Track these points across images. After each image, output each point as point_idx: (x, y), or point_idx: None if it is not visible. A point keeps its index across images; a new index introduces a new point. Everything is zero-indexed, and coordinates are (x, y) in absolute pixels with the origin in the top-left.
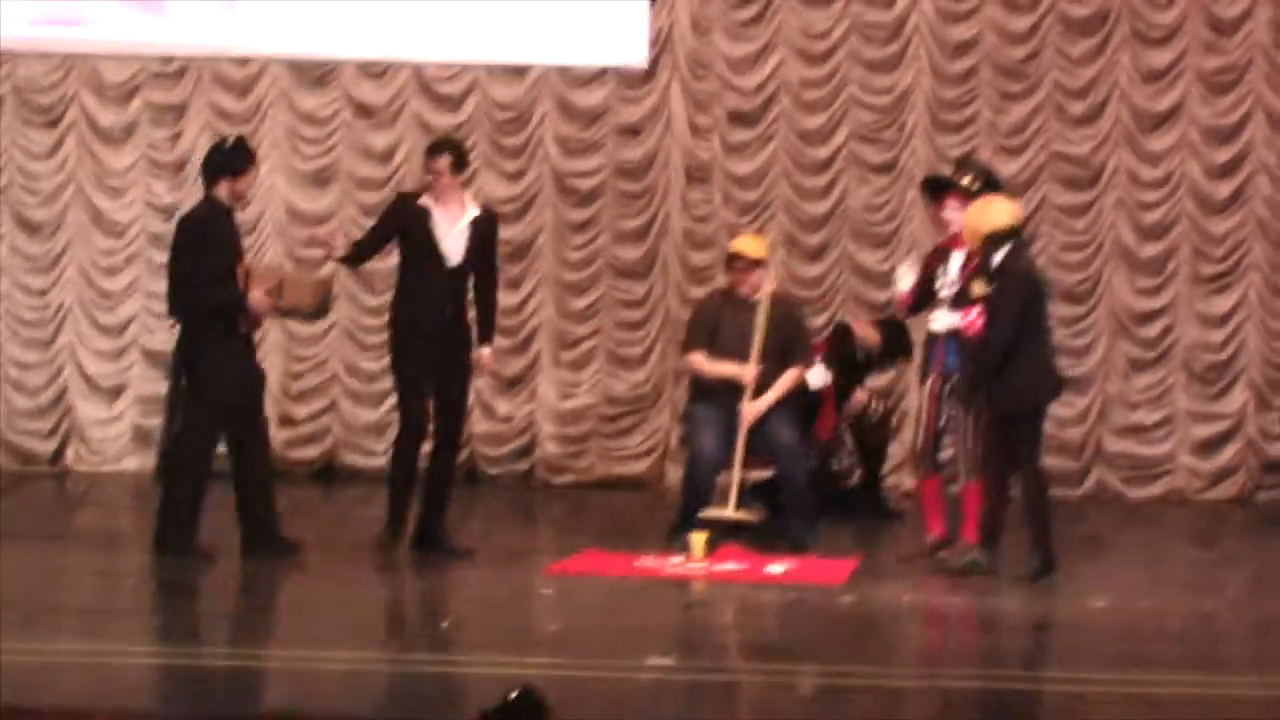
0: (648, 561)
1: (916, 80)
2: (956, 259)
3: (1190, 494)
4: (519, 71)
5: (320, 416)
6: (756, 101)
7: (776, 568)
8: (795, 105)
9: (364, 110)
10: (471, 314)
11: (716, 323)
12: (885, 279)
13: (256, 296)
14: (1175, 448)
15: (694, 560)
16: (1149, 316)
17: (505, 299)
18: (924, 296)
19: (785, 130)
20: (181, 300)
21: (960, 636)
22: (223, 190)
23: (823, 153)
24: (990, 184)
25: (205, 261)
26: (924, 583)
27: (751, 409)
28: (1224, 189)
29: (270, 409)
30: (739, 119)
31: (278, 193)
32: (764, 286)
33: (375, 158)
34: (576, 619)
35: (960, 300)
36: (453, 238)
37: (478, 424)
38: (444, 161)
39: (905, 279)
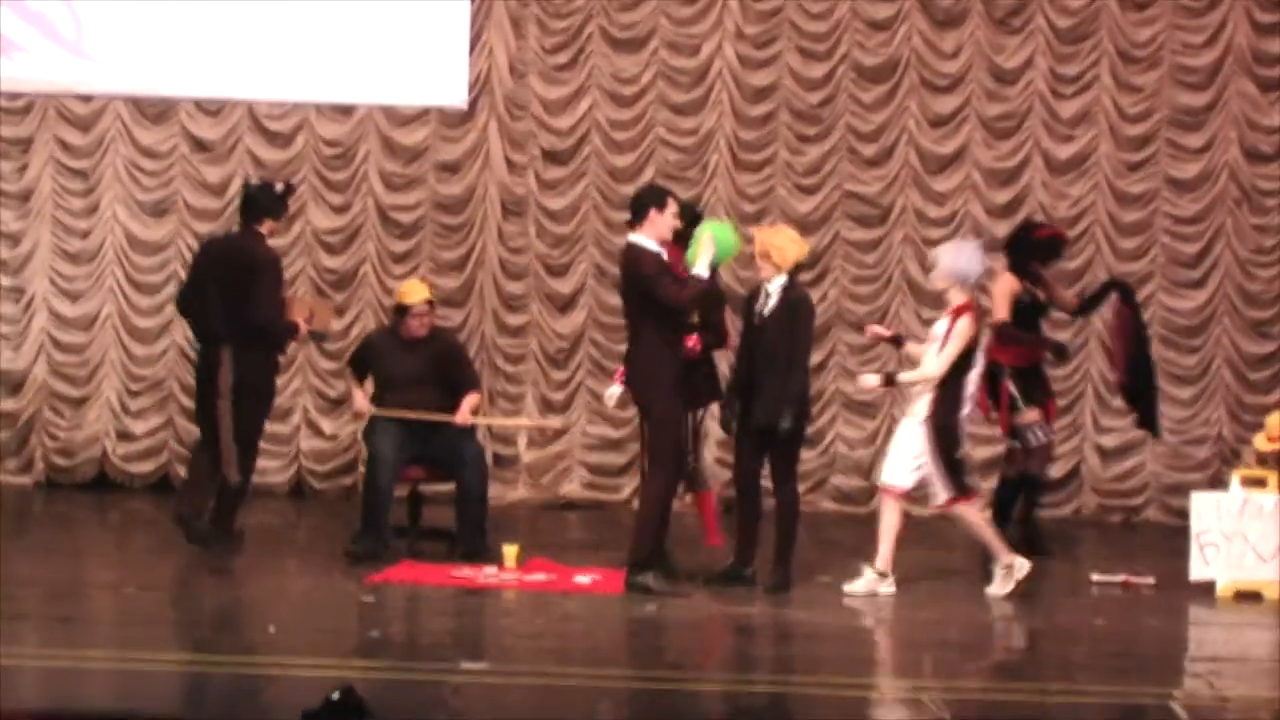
0: (463, 571)
1: (719, 123)
2: None
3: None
4: (346, 110)
5: (157, 433)
6: (569, 141)
7: (584, 578)
8: (606, 144)
9: (200, 145)
10: None
11: (380, 357)
12: None
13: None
14: None
15: (506, 570)
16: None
17: (331, 325)
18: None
19: (596, 168)
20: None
21: (753, 644)
22: (265, 228)
23: (631, 190)
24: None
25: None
26: (724, 593)
27: (463, 416)
28: (1004, 228)
29: (110, 425)
30: (553, 157)
31: (118, 222)
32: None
33: (210, 190)
34: (395, 625)
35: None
36: None
37: (305, 441)
38: None
39: None
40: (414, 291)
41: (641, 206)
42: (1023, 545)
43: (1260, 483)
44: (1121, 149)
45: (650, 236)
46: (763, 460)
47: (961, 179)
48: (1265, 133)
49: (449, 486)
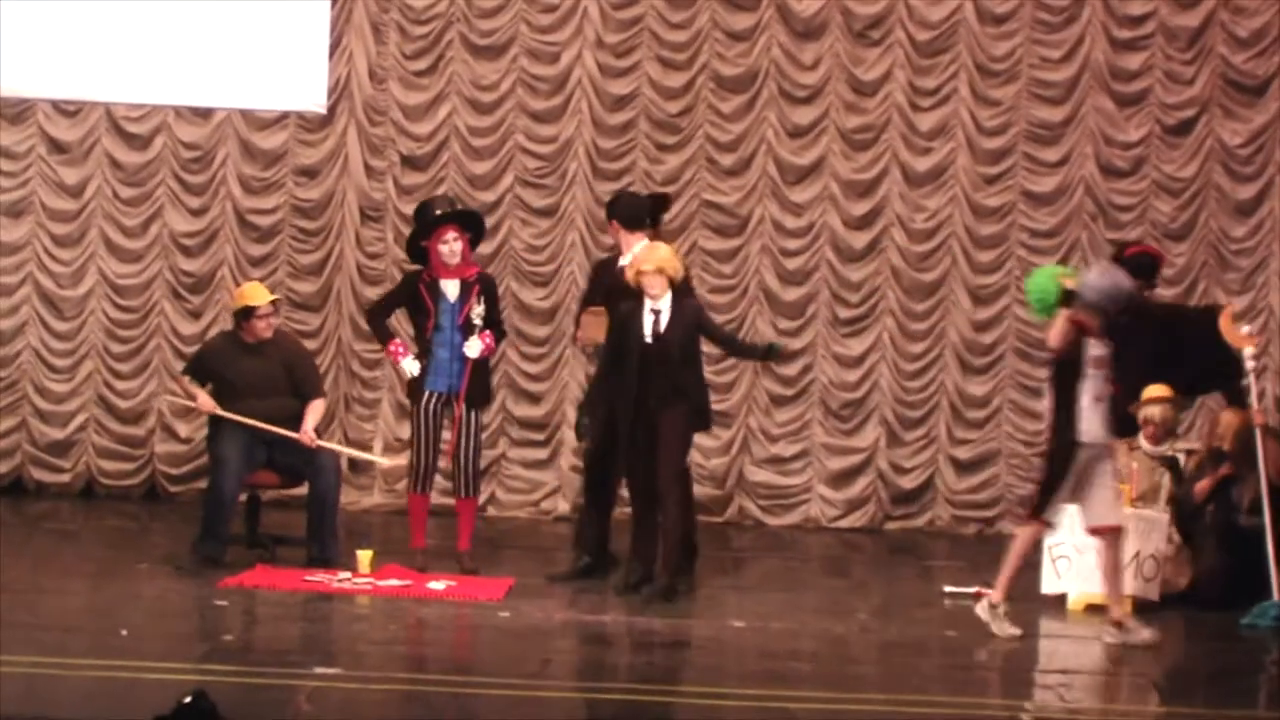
0: (317, 577)
1: (578, 131)
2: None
3: (825, 522)
4: (204, 113)
5: (11, 434)
6: (428, 147)
7: (438, 584)
8: (465, 151)
9: (58, 146)
10: None
11: (223, 364)
12: (546, 316)
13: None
14: (811, 479)
15: (360, 576)
16: (790, 356)
17: (187, 328)
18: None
19: (455, 174)
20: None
21: (608, 653)
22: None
23: (489, 196)
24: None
25: None
26: (577, 600)
27: (307, 435)
28: (861, 239)
29: None
30: (411, 163)
31: None
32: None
33: (68, 192)
34: (248, 629)
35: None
36: None
37: (160, 444)
38: None
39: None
40: (259, 293)
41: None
42: None
43: None
44: (979, 162)
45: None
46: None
47: (819, 190)
48: (1121, 148)
49: (301, 491)
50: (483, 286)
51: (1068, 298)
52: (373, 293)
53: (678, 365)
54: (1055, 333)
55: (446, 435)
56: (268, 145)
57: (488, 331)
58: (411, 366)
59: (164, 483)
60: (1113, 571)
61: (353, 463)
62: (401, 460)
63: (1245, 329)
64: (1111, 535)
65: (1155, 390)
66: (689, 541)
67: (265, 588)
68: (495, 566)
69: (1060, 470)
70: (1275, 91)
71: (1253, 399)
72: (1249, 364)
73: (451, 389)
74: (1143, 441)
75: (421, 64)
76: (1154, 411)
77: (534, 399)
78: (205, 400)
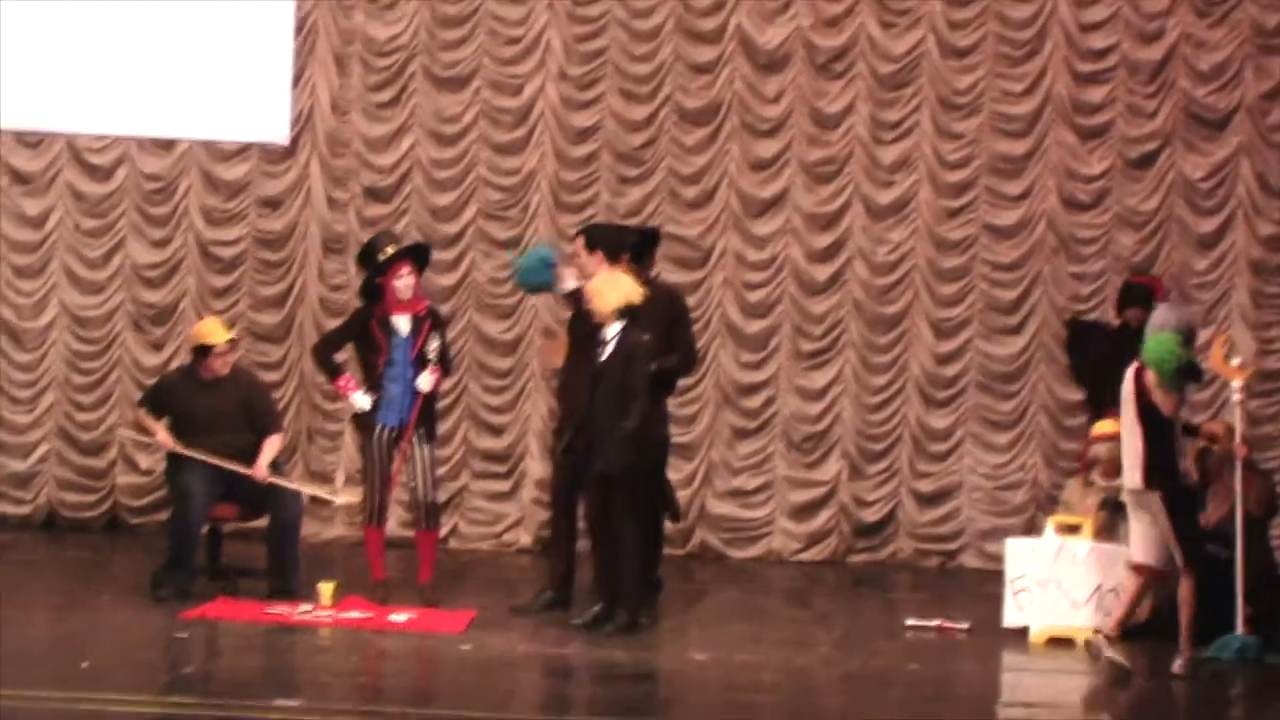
0: (279, 609)
1: (541, 163)
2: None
3: (787, 555)
4: (167, 145)
5: None
6: (391, 179)
7: (399, 616)
8: (427, 183)
9: (19, 177)
10: None
11: (180, 399)
12: (508, 347)
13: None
14: (774, 511)
15: (322, 608)
16: (752, 389)
17: (149, 360)
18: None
19: (418, 206)
20: None
21: (570, 685)
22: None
23: (452, 228)
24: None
25: None
26: (539, 633)
27: (260, 471)
28: (823, 272)
29: None
30: (374, 195)
31: None
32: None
33: (29, 223)
34: (210, 661)
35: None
36: None
37: (120, 476)
38: None
39: None
40: (216, 332)
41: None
42: None
43: (1074, 529)
44: (941, 195)
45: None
46: (607, 502)
47: (782, 223)
48: (1083, 181)
49: (262, 522)
50: (434, 321)
51: (1191, 371)
52: (335, 324)
53: (617, 395)
54: (1170, 401)
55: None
56: (230, 176)
57: (437, 366)
58: (363, 401)
59: (125, 514)
60: (1128, 603)
61: (313, 498)
62: (356, 496)
63: (1236, 360)
64: (1146, 571)
65: (1103, 427)
66: (652, 575)
67: (227, 619)
68: (457, 598)
69: (1195, 517)
70: (1237, 125)
71: (1237, 432)
72: (1235, 396)
73: (402, 422)
74: (1096, 478)
75: (384, 96)
76: (1101, 450)
77: (496, 431)
78: (164, 436)
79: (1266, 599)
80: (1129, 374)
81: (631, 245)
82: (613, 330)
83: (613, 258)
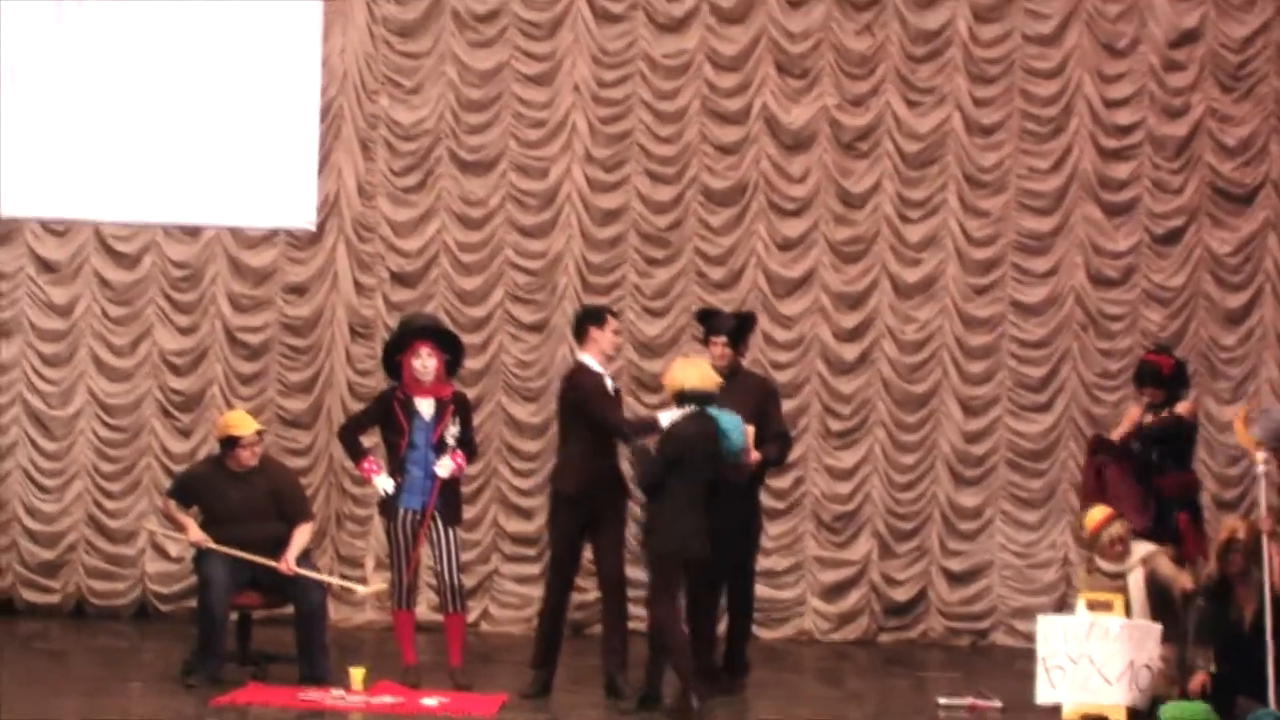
0: (310, 694)
1: (568, 245)
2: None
3: (818, 635)
4: (193, 232)
5: (1, 555)
6: (418, 263)
7: (431, 700)
8: (454, 267)
9: (46, 266)
10: None
11: (210, 491)
12: (537, 431)
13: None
14: (804, 591)
15: (353, 693)
16: (782, 468)
17: (178, 447)
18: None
19: (445, 290)
20: None
21: None
22: None
23: (479, 312)
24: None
25: None
26: (570, 716)
27: (286, 564)
28: (852, 351)
29: None
30: (401, 279)
31: None
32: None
33: (57, 311)
34: None
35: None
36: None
37: (150, 563)
38: None
39: None
40: (244, 423)
41: (580, 327)
42: None
43: (1106, 606)
44: (969, 273)
45: (593, 355)
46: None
47: (810, 302)
48: (1111, 257)
49: (290, 609)
50: (458, 407)
51: None
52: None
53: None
54: None
55: (425, 550)
56: (257, 263)
57: (459, 451)
58: (385, 484)
59: (155, 601)
60: None
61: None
62: (382, 585)
63: (1257, 432)
64: None
65: (1096, 516)
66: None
67: (258, 705)
68: (488, 681)
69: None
70: (1263, 200)
71: (1261, 505)
72: (1259, 469)
73: (424, 506)
74: (1102, 564)
75: (410, 180)
76: (1115, 531)
77: (525, 514)
78: (195, 532)
79: None
80: None
81: (729, 330)
82: (665, 416)
83: (705, 341)
